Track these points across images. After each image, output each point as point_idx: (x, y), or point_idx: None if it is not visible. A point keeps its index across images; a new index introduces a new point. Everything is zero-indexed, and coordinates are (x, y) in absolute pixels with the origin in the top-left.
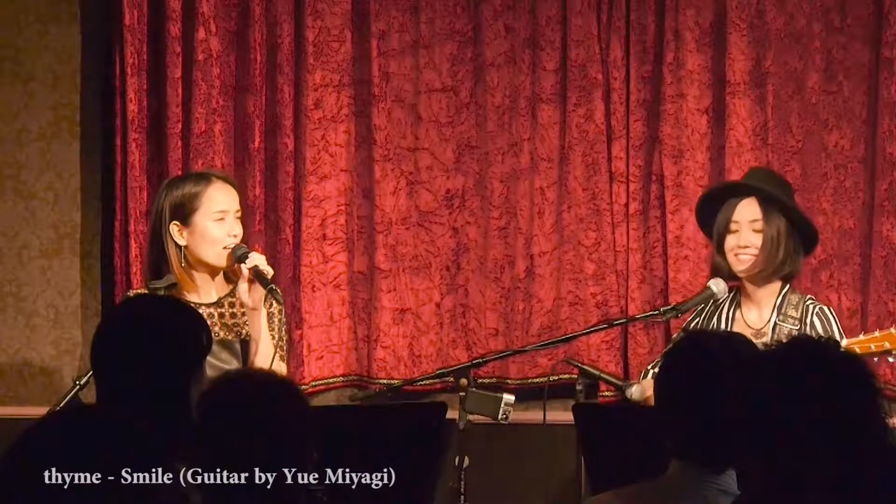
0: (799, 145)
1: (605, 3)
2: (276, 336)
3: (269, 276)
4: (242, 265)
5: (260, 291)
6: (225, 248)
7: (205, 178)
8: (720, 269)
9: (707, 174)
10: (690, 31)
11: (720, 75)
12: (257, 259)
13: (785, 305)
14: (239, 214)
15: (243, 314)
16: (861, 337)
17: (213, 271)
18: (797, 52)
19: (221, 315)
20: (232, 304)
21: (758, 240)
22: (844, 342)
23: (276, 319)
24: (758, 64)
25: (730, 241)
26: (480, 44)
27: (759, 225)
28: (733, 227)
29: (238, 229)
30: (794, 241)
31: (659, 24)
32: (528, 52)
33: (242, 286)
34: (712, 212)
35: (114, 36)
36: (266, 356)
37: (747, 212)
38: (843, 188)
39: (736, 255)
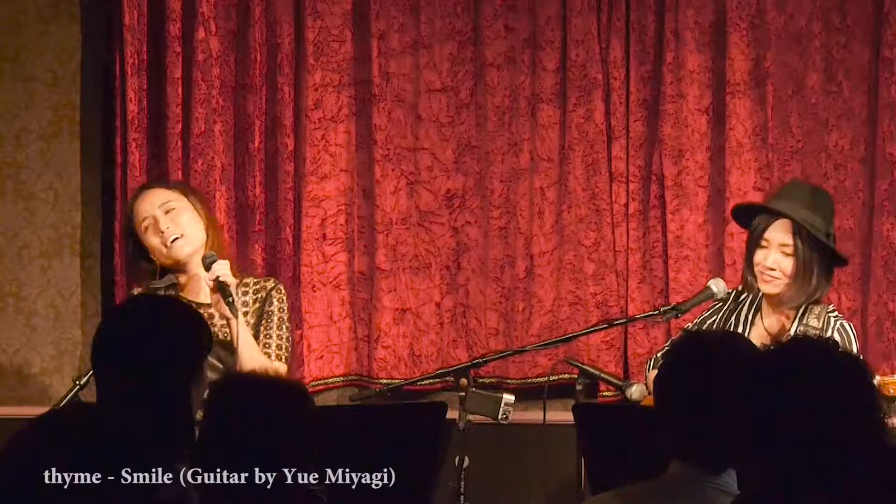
0: (799, 145)
1: (605, 3)
2: (274, 336)
3: (231, 287)
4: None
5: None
6: (168, 244)
7: (134, 197)
8: (749, 287)
9: (707, 174)
10: (690, 31)
11: (720, 75)
12: (219, 269)
13: (807, 315)
14: (168, 207)
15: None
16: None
17: (193, 269)
18: (797, 52)
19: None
20: None
21: (786, 263)
22: None
23: (274, 319)
24: (758, 64)
25: (758, 255)
26: (480, 44)
27: (788, 249)
28: (764, 243)
29: (168, 221)
30: (825, 263)
31: (659, 24)
32: (528, 52)
33: (214, 296)
34: (752, 212)
35: (114, 36)
36: (250, 360)
37: (779, 233)
38: (843, 188)
39: (761, 272)
